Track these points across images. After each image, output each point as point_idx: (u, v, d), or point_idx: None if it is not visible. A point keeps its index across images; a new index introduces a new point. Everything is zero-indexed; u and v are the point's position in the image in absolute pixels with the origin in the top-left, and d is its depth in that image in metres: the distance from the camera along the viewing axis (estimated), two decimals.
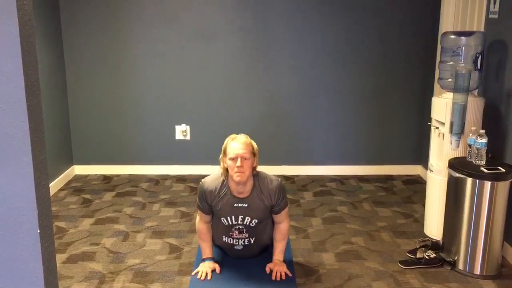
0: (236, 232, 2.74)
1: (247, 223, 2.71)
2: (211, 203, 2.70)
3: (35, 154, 1.27)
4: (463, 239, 2.97)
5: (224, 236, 2.79)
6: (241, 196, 2.65)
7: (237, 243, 2.78)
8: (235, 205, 2.66)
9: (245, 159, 2.54)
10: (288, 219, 2.83)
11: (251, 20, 4.51)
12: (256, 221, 2.71)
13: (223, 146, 2.64)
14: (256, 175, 2.69)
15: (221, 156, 2.65)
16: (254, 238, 2.78)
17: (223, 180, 2.67)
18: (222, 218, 2.71)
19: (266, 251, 2.90)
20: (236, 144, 2.57)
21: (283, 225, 2.79)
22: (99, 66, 4.59)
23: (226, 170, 2.63)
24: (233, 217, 2.69)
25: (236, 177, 2.55)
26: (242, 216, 2.69)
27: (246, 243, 2.78)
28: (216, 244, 2.92)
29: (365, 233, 3.52)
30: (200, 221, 2.81)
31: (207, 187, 2.68)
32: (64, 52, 4.56)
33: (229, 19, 4.52)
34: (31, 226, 1.30)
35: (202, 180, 2.74)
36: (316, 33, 4.53)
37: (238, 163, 2.52)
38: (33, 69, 1.27)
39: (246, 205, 2.66)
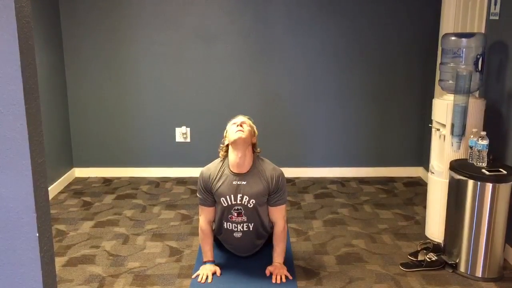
0: (235, 214, 2.83)
1: (245, 203, 2.79)
2: (211, 186, 2.81)
3: (33, 157, 1.27)
4: (464, 241, 2.96)
5: (224, 222, 2.86)
6: (241, 171, 2.79)
7: (236, 229, 2.86)
8: (234, 182, 2.79)
9: (246, 125, 2.82)
10: (285, 220, 2.90)
11: (251, 22, 4.51)
12: (254, 201, 2.79)
13: (225, 131, 2.89)
14: (258, 157, 2.88)
15: (222, 140, 2.90)
16: (252, 224, 2.85)
17: (221, 161, 2.86)
18: (221, 199, 2.80)
19: (266, 250, 2.92)
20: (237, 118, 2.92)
21: (278, 225, 2.86)
22: (99, 68, 4.59)
23: (226, 151, 2.83)
24: (232, 196, 2.79)
25: (237, 134, 2.73)
26: (240, 195, 2.79)
27: (245, 229, 2.86)
28: (217, 237, 2.99)
29: (366, 236, 3.51)
30: (202, 221, 2.88)
31: (206, 172, 2.86)
32: (64, 54, 4.55)
33: (230, 22, 4.52)
34: (29, 229, 1.29)
35: (201, 170, 2.90)
36: (317, 35, 4.52)
37: (239, 123, 2.80)
38: (31, 71, 1.26)
39: (245, 182, 2.79)
